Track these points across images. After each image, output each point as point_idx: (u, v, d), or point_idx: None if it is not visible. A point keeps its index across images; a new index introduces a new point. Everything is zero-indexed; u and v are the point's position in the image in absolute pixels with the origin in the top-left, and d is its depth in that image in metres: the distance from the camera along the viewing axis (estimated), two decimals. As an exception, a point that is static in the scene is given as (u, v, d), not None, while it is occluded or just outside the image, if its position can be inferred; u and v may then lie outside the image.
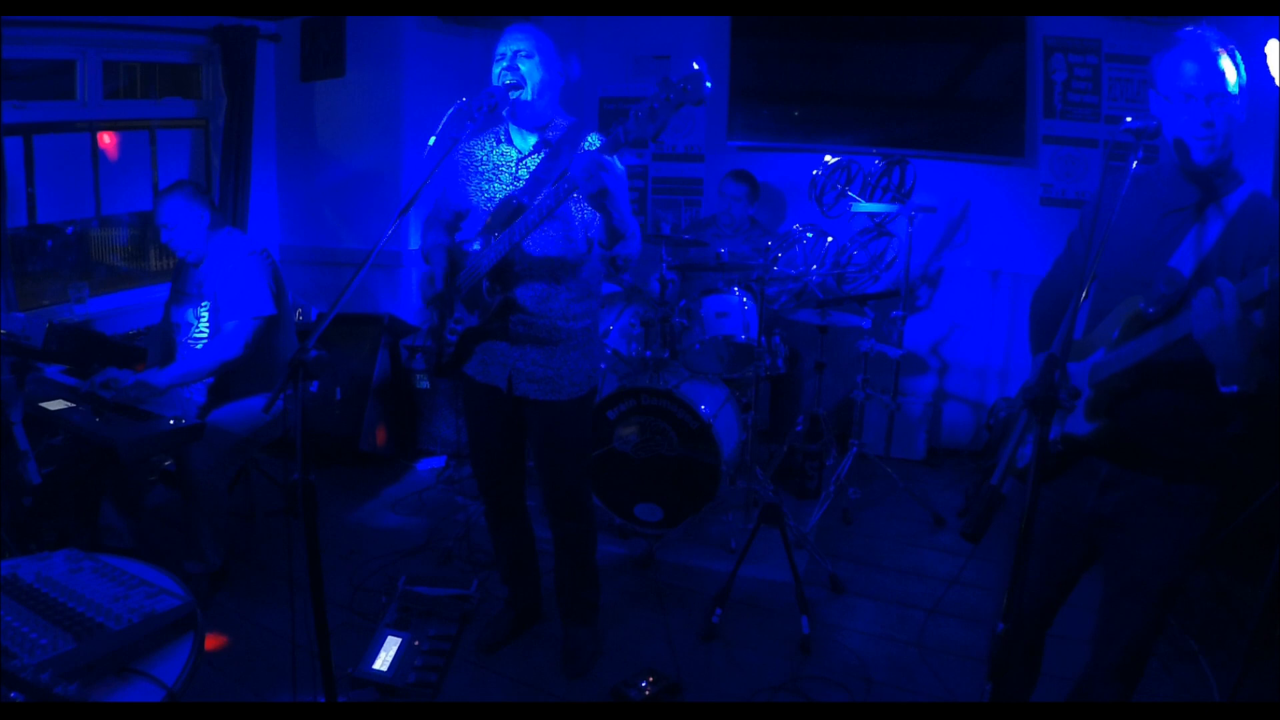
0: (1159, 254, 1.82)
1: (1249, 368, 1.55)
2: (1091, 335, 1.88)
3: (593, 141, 2.42)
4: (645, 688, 2.59)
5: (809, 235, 4.14)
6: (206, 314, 3.21)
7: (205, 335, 3.22)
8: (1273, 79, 3.69)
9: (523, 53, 2.35)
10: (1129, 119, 1.77)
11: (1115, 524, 1.92)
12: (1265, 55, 3.71)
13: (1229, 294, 1.51)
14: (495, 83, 2.35)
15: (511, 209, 2.37)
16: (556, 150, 2.43)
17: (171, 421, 2.83)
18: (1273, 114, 3.83)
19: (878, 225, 4.42)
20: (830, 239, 4.22)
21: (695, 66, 1.90)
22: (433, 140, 2.10)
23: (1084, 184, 4.41)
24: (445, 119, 2.16)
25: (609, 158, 2.02)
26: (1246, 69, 1.84)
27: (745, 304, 3.82)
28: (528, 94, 2.35)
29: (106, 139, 4.16)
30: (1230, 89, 1.76)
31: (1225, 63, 1.76)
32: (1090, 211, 2.02)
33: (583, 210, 2.42)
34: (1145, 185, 1.90)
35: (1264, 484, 2.81)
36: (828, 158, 4.35)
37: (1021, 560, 1.53)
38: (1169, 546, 1.87)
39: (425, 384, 4.45)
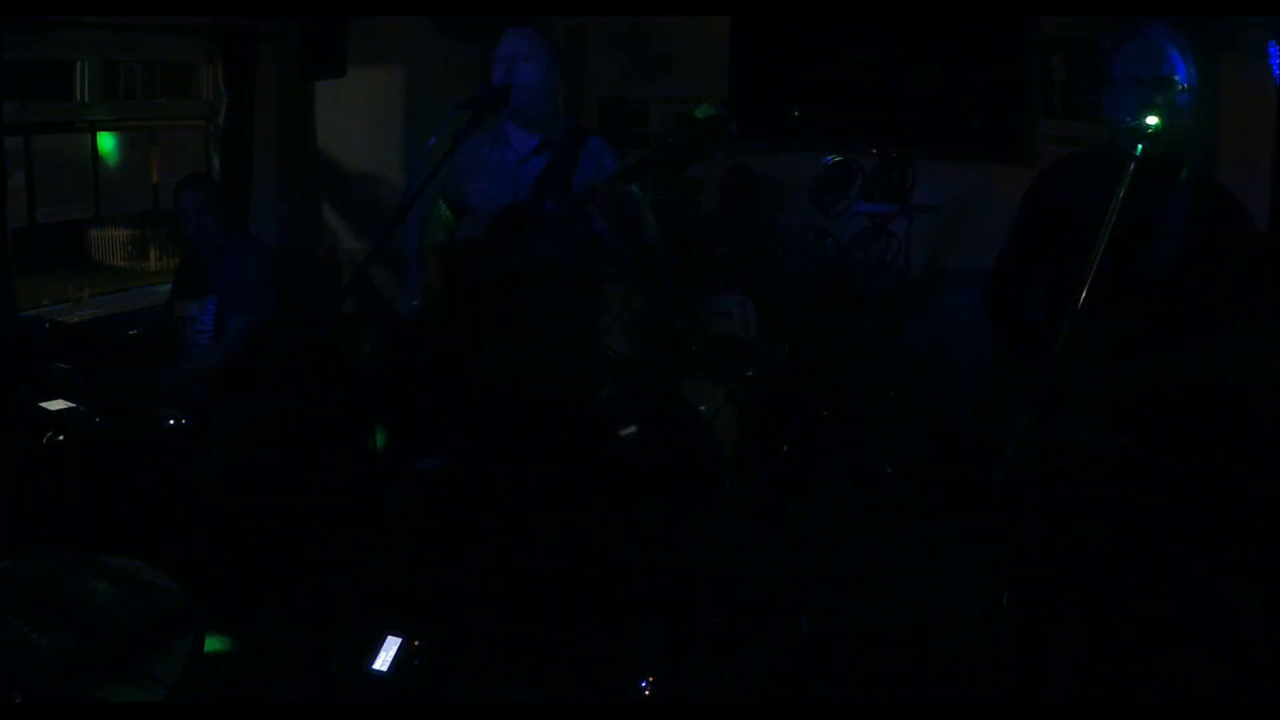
0: (1131, 251, 1.83)
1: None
2: (1077, 339, 1.90)
3: (594, 146, 2.43)
4: (645, 688, 2.59)
5: (809, 235, 4.14)
6: (213, 309, 3.22)
7: (210, 330, 3.22)
8: (1273, 79, 3.69)
9: (521, 55, 2.35)
10: (1127, 119, 1.78)
11: (1113, 499, 1.96)
12: (1266, 55, 3.70)
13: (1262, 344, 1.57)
14: (495, 84, 2.35)
15: (519, 214, 2.37)
16: (557, 152, 2.43)
17: (171, 421, 2.83)
18: (1273, 114, 3.83)
19: (878, 225, 4.42)
20: (830, 239, 4.22)
21: (721, 110, 1.89)
22: (433, 140, 2.10)
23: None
24: (445, 119, 2.16)
25: (632, 186, 2.02)
26: (1245, 69, 1.87)
27: (745, 304, 3.82)
28: (526, 95, 2.36)
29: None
30: (1176, 78, 1.77)
31: (1173, 53, 1.78)
32: (1034, 194, 2.04)
33: (587, 215, 2.43)
34: (1098, 178, 1.92)
35: (1261, 484, 2.82)
36: (827, 158, 4.35)
37: (1021, 560, 1.54)
38: (1163, 515, 1.99)
39: (425, 384, 4.45)
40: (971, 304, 4.86)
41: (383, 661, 2.63)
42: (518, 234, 2.34)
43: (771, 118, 4.84)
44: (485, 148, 2.54)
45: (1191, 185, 1.84)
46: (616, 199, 1.99)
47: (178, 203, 3.19)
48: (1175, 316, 1.80)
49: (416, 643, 2.71)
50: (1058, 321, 2.01)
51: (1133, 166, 1.72)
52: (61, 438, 3.00)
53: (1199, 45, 1.84)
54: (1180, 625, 2.95)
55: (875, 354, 4.10)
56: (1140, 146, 1.75)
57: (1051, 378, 1.49)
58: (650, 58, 5.10)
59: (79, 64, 4.00)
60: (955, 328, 4.76)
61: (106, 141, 4.19)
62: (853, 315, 4.01)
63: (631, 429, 3.64)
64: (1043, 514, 2.01)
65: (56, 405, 2.93)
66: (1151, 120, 1.74)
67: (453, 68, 4.68)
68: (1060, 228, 2.01)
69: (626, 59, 5.14)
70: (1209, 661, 2.76)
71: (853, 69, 4.69)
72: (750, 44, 4.80)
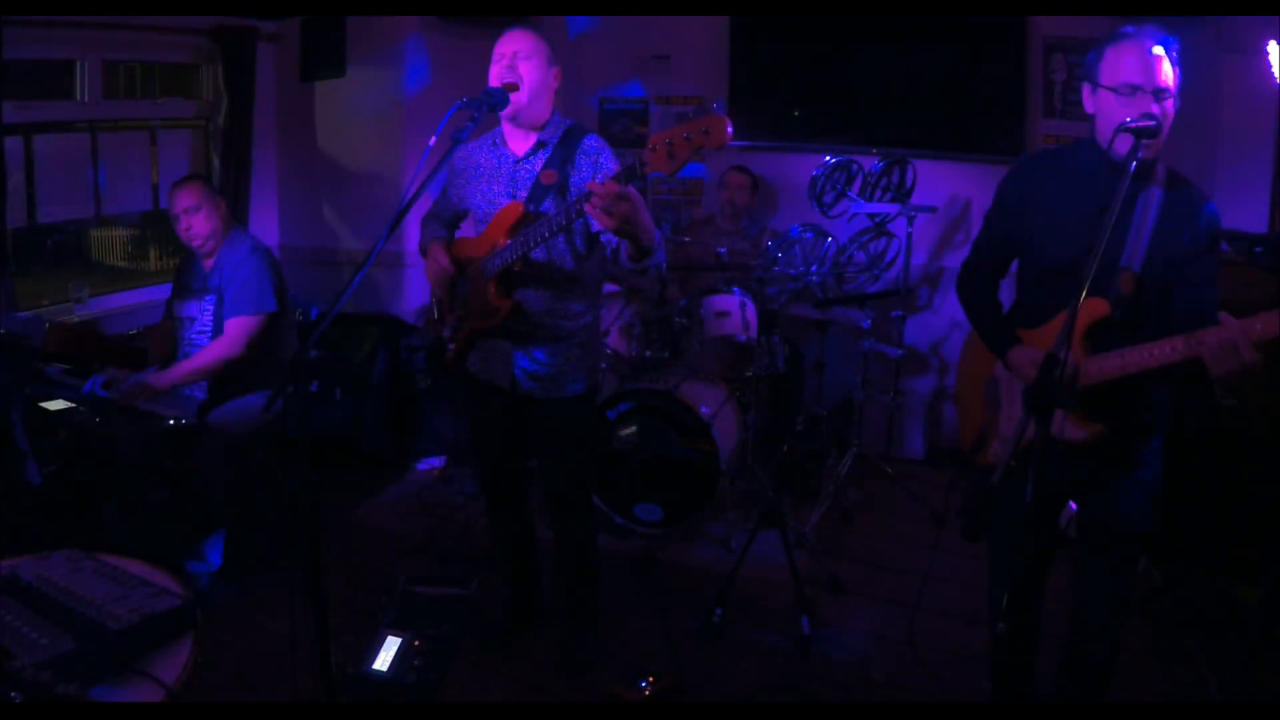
0: (1107, 247, 1.86)
1: (1247, 388, 1.65)
2: (1042, 331, 1.94)
3: (591, 146, 2.43)
4: (645, 688, 2.59)
5: (809, 235, 4.14)
6: (212, 308, 3.21)
7: (210, 330, 3.22)
8: (1273, 79, 3.69)
9: (521, 54, 2.36)
10: (1129, 119, 1.79)
11: (1089, 484, 2.03)
12: (1265, 55, 3.70)
13: (1245, 338, 1.60)
14: (494, 84, 2.35)
15: (518, 215, 2.37)
16: (555, 153, 2.43)
17: (171, 421, 2.83)
18: (1273, 114, 3.83)
19: (878, 225, 4.42)
20: (830, 239, 4.22)
21: (715, 108, 1.88)
22: (433, 140, 2.10)
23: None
24: (445, 119, 2.16)
25: (626, 187, 2.01)
26: (1246, 69, 1.90)
27: (745, 304, 3.82)
28: (526, 95, 2.36)
29: None
30: (1170, 85, 1.81)
31: (1166, 60, 1.81)
32: (1013, 195, 2.07)
33: (584, 216, 2.42)
34: (1075, 175, 1.95)
35: (1261, 484, 2.82)
36: (827, 158, 4.35)
37: (1020, 559, 1.55)
38: (1138, 492, 2.00)
39: (425, 384, 4.45)
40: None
41: (383, 661, 2.63)
42: (516, 235, 2.34)
43: (771, 118, 4.85)
44: (483, 150, 2.54)
45: (1164, 182, 1.87)
46: (612, 199, 1.98)
47: (171, 206, 3.18)
48: (1146, 309, 1.85)
49: (417, 643, 2.72)
50: (1024, 311, 2.06)
51: (1134, 167, 1.73)
52: (62, 437, 3.00)
53: (1199, 45, 1.85)
54: (1180, 625, 2.95)
55: (875, 354, 4.10)
56: (1140, 148, 1.76)
57: (1050, 376, 1.49)
58: (650, 58, 5.10)
59: (79, 64, 4.01)
60: (955, 328, 4.77)
61: (106, 142, 4.20)
62: (853, 315, 4.00)
63: (631, 429, 3.64)
64: (1041, 512, 2.03)
65: (56, 405, 2.93)
66: (1150, 124, 1.75)
67: (453, 68, 4.68)
68: (1015, 221, 2.05)
69: (627, 59, 5.15)
70: (1210, 661, 2.76)
71: (853, 69, 4.68)
72: (750, 44, 4.80)
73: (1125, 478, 1.99)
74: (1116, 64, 1.82)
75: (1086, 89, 1.90)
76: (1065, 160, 1.99)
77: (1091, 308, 1.85)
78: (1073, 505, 2.14)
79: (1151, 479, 2.01)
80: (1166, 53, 1.81)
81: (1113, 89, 1.82)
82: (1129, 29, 1.84)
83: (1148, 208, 1.85)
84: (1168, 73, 1.80)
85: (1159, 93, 1.79)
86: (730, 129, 1.89)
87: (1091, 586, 2.08)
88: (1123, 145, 1.80)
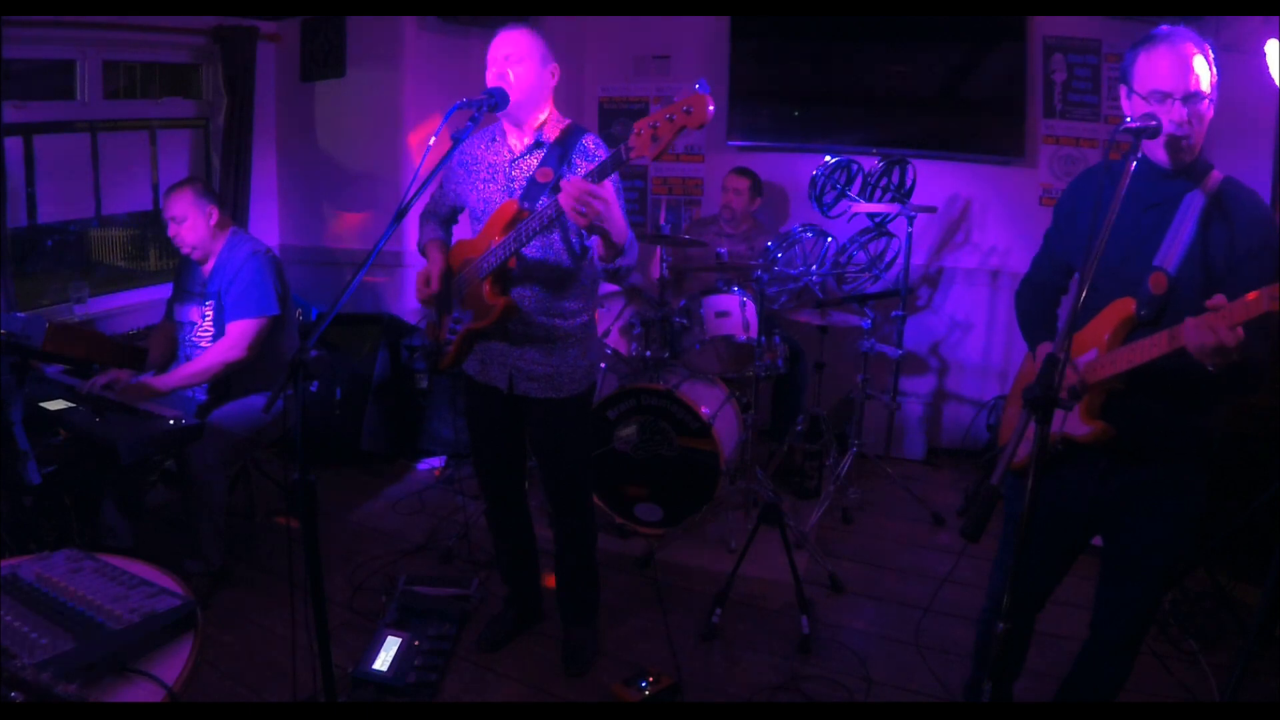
0: (1142, 250, 1.85)
1: (1245, 371, 1.61)
2: (1082, 334, 1.91)
3: (588, 145, 2.42)
4: (645, 688, 2.60)
5: (809, 235, 4.14)
6: (211, 312, 3.21)
7: (210, 334, 3.22)
8: (1272, 79, 3.69)
9: (513, 57, 2.35)
10: (1128, 119, 1.79)
11: (1117, 508, 1.97)
12: (1265, 55, 3.70)
13: (1226, 314, 1.55)
14: (489, 85, 2.35)
15: (512, 213, 2.37)
16: (551, 151, 2.43)
17: (171, 421, 2.83)
18: (1273, 114, 3.83)
19: (878, 225, 4.42)
20: (830, 239, 4.22)
21: (698, 88, 1.88)
22: (433, 140, 2.11)
23: (1084, 184, 4.42)
24: (445, 119, 2.16)
25: (599, 185, 2.03)
26: (1245, 69, 1.86)
27: (745, 304, 3.82)
28: (516, 98, 2.35)
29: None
30: (1204, 88, 1.77)
31: (1200, 62, 1.77)
32: (1065, 208, 2.06)
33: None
34: (1118, 180, 1.93)
35: (1262, 484, 2.82)
36: (827, 158, 4.35)
37: (1021, 559, 1.55)
38: (1170, 526, 1.94)
39: (425, 384, 4.45)
40: (971, 304, 4.89)
41: (383, 661, 2.63)
42: (510, 234, 2.34)
43: (771, 118, 4.85)
44: (481, 147, 2.54)
45: (1215, 188, 1.82)
46: (581, 198, 1.99)
47: (166, 209, 3.18)
48: (1178, 311, 1.80)
49: (417, 643, 2.72)
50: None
51: (1133, 167, 1.73)
52: (61, 437, 3.00)
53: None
54: (1180, 625, 2.95)
55: (875, 354, 4.10)
56: (1138, 148, 1.76)
57: (1050, 376, 1.49)
58: (650, 58, 5.11)
59: (79, 64, 4.01)
60: (955, 327, 4.77)
61: (106, 142, 4.20)
62: (852, 315, 4.01)
63: (631, 429, 3.64)
64: (1043, 512, 2.02)
65: (56, 405, 2.93)
66: (1150, 124, 1.75)
67: (453, 68, 4.68)
68: (1068, 232, 2.04)
69: (627, 59, 5.15)
70: (1210, 661, 2.76)
71: (853, 69, 4.69)
72: (750, 44, 4.81)
73: (1153, 505, 1.93)
74: (1148, 70, 1.80)
75: (1124, 91, 1.88)
76: (1115, 166, 1.97)
77: (1121, 306, 1.84)
78: (1097, 541, 2.10)
79: (1182, 512, 1.93)
80: (1200, 54, 1.77)
81: (1144, 96, 1.80)
82: (1162, 30, 1.81)
83: (1190, 211, 1.81)
84: (1200, 75, 1.76)
85: (1189, 97, 1.75)
86: (712, 106, 1.88)
87: (1110, 611, 2.04)
88: (1158, 150, 1.80)
